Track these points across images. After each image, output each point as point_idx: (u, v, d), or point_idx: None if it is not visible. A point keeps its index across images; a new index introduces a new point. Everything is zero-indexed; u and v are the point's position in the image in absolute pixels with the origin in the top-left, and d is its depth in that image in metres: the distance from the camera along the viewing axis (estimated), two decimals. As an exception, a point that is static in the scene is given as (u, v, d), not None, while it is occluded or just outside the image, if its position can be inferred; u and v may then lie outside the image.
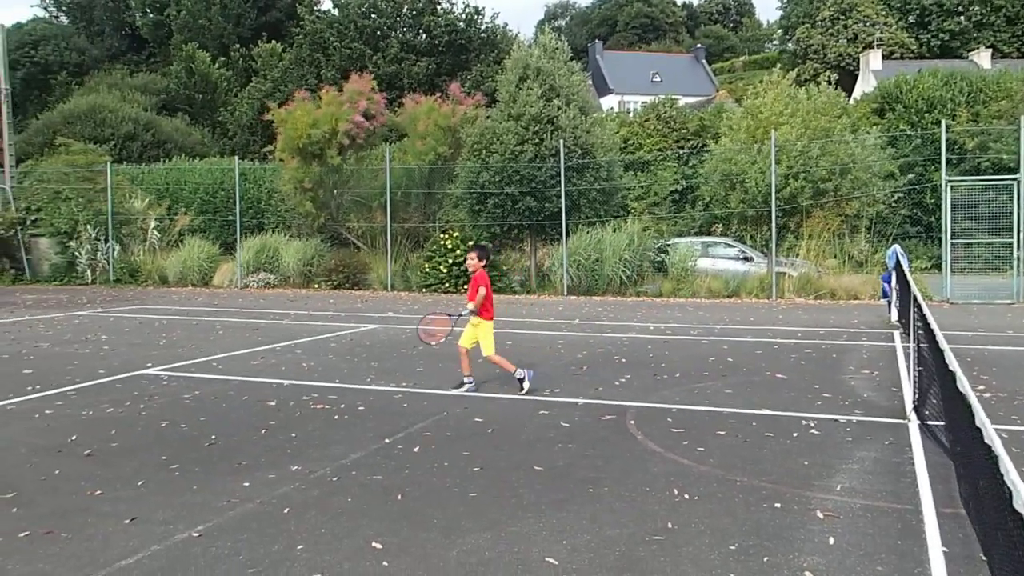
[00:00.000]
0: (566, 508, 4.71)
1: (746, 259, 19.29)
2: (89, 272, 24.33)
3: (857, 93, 38.90)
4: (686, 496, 4.88)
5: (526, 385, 7.90)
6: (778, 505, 4.72)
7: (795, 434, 6.30)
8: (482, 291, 7.88)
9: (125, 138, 37.81)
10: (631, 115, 30.75)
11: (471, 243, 9.27)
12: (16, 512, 4.70)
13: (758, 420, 6.76)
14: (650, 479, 5.22)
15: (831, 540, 4.21)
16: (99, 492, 5.03)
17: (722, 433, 6.33)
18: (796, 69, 25.82)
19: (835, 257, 18.73)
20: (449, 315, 8.46)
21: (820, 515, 4.56)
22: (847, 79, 44.18)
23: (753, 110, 19.79)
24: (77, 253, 24.37)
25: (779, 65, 22.69)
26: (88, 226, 24.20)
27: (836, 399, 7.55)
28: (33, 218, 25.85)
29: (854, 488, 5.03)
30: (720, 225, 21.23)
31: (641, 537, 4.26)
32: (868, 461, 5.60)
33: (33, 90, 51.44)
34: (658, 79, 63.12)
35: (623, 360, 9.86)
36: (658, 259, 19.64)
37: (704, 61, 69.03)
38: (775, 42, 78.07)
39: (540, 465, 5.52)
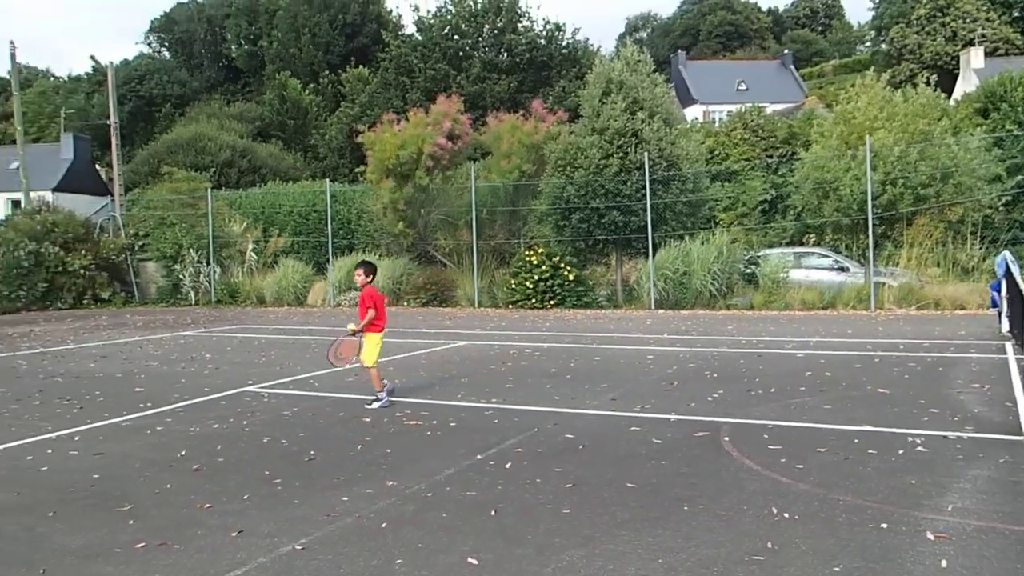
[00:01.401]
0: (661, 526, 4.65)
1: (842, 269, 18.71)
2: (192, 294, 25.42)
3: (958, 93, 37.34)
4: (786, 515, 4.76)
5: (382, 398, 8.23)
6: (884, 526, 4.55)
7: (900, 451, 6.06)
8: (371, 312, 8.24)
9: (223, 165, 39.39)
10: (717, 125, 30.32)
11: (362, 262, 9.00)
12: (132, 524, 4.92)
13: (860, 437, 6.54)
14: (747, 497, 5.10)
15: (943, 563, 4.03)
16: (208, 505, 5.23)
17: (822, 450, 6.15)
18: (891, 71, 25.12)
19: (938, 265, 17.99)
20: (355, 334, 8.60)
21: (930, 536, 4.37)
22: (946, 79, 42.50)
23: (846, 115, 19.28)
24: (181, 276, 25.51)
25: (872, 67, 21.98)
26: (191, 250, 25.30)
27: (944, 415, 7.23)
28: (141, 243, 27.24)
29: (967, 508, 4.81)
30: (813, 235, 20.69)
31: (740, 557, 4.17)
32: (981, 480, 5.34)
33: (139, 122, 54.21)
34: (744, 87, 61.99)
35: (715, 375, 9.69)
36: (748, 271, 19.26)
37: (792, 67, 67.45)
38: (867, 44, 75.80)
39: (633, 482, 5.47)
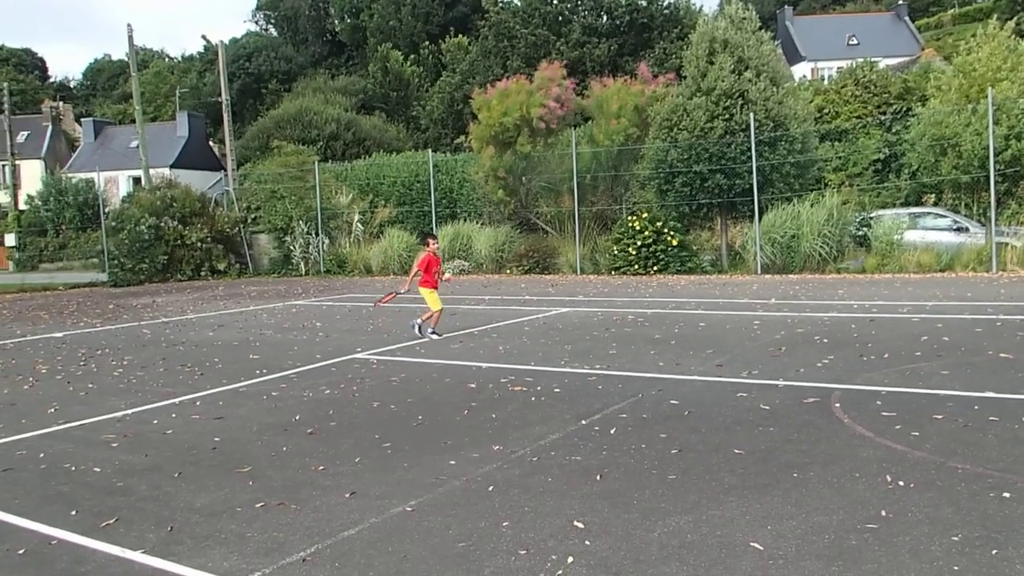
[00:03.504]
0: (770, 493, 4.59)
1: (960, 229, 17.79)
2: (302, 264, 26.31)
3: (1093, 39, 34.62)
4: (900, 483, 4.61)
5: (416, 330, 10.99)
6: (1007, 495, 4.36)
7: (1025, 419, 5.78)
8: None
9: (329, 138, 40.42)
10: (826, 82, 29.09)
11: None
12: (252, 484, 5.19)
13: (980, 403, 6.26)
14: (860, 464, 4.97)
15: (1072, 535, 3.84)
16: (322, 467, 5.46)
17: (939, 417, 5.91)
18: (1015, 18, 23.42)
19: (1068, 224, 16.89)
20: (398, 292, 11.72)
21: (1058, 507, 4.17)
22: (1080, 24, 39.43)
23: (965, 67, 18.19)
24: (291, 247, 26.43)
25: (995, 15, 20.60)
26: (300, 222, 26.15)
27: (1074, 381, 6.84)
28: (253, 216, 28.33)
29: (1099, 479, 4.55)
30: (930, 194, 19.72)
31: (852, 525, 4.08)
32: (1115, 449, 5.04)
33: (248, 98, 56.10)
34: (855, 42, 59.12)
35: (825, 340, 9.42)
36: (860, 233, 18.53)
37: (907, 18, 63.82)
38: (991, -10, 70.92)
39: (740, 448, 5.41)
